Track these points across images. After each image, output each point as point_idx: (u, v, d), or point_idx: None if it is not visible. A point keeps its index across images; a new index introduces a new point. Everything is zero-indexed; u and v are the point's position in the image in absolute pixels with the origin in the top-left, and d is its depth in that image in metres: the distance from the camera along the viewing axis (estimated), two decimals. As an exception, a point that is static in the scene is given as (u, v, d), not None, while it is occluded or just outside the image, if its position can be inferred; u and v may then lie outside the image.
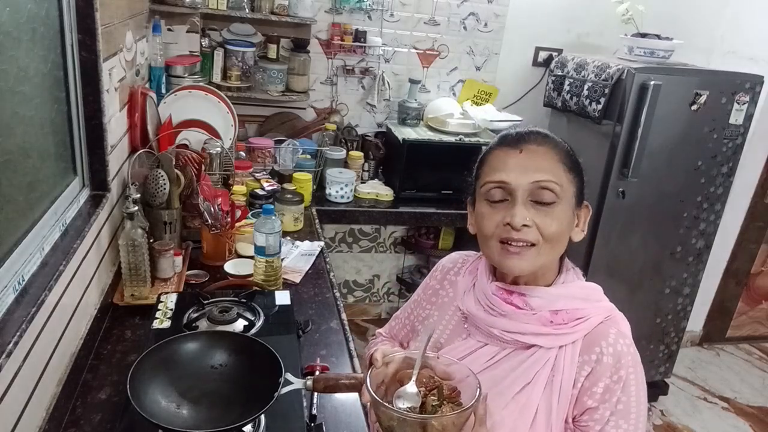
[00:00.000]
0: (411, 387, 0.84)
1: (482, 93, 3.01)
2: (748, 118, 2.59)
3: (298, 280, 1.81)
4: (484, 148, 0.99)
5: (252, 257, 1.72)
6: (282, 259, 1.80)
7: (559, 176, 0.89)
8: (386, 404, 0.80)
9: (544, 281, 0.94)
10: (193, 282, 1.72)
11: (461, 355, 0.95)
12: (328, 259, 1.97)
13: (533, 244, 0.88)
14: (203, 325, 1.34)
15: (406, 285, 3.30)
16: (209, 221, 1.78)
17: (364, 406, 1.27)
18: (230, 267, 1.80)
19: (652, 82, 2.35)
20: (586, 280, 0.98)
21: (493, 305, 0.94)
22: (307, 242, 2.06)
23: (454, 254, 1.13)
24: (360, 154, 2.76)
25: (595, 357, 0.88)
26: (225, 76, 2.59)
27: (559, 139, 0.94)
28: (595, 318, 0.91)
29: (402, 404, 0.82)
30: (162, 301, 1.42)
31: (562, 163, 0.90)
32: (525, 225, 0.87)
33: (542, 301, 0.91)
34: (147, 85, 2.14)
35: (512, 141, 0.92)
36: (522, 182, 0.88)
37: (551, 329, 0.90)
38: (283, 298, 1.49)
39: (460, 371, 0.87)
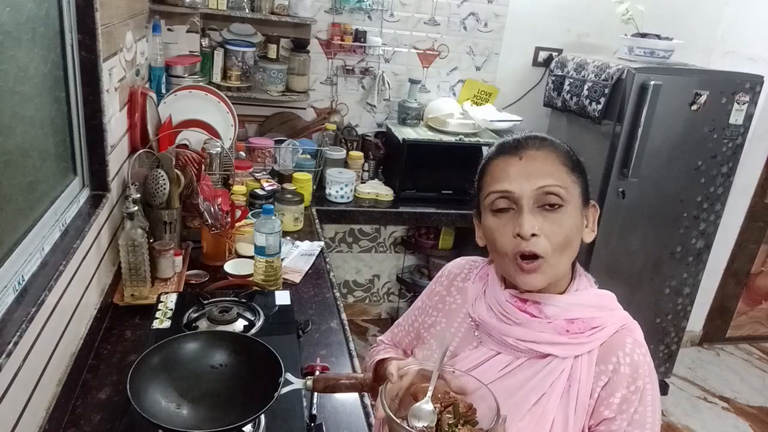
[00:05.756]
0: (426, 404, 0.81)
1: (482, 93, 3.01)
2: (748, 118, 2.59)
3: (298, 280, 1.81)
4: (483, 156, 0.96)
5: (252, 257, 1.72)
6: (282, 259, 1.81)
7: (562, 179, 0.87)
8: (403, 424, 0.77)
9: (558, 289, 0.92)
10: (193, 282, 1.72)
11: (473, 365, 0.93)
12: (328, 259, 1.97)
13: (544, 259, 0.86)
14: (203, 325, 1.35)
15: (406, 285, 3.30)
16: (209, 221, 1.78)
17: (365, 406, 1.28)
18: (230, 267, 1.80)
19: (652, 82, 2.35)
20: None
21: (507, 313, 0.92)
22: (307, 242, 2.06)
23: (460, 260, 1.10)
24: (360, 154, 2.76)
25: (612, 367, 0.86)
26: (225, 76, 2.59)
27: (557, 141, 0.92)
28: (611, 327, 0.89)
29: (417, 423, 0.79)
30: (162, 301, 1.42)
31: (564, 165, 0.89)
32: (534, 234, 0.85)
33: (557, 310, 0.89)
34: (147, 85, 2.14)
35: (510, 148, 0.90)
36: (526, 190, 0.86)
37: (567, 338, 0.88)
38: (283, 298, 1.49)
39: (475, 385, 0.84)
